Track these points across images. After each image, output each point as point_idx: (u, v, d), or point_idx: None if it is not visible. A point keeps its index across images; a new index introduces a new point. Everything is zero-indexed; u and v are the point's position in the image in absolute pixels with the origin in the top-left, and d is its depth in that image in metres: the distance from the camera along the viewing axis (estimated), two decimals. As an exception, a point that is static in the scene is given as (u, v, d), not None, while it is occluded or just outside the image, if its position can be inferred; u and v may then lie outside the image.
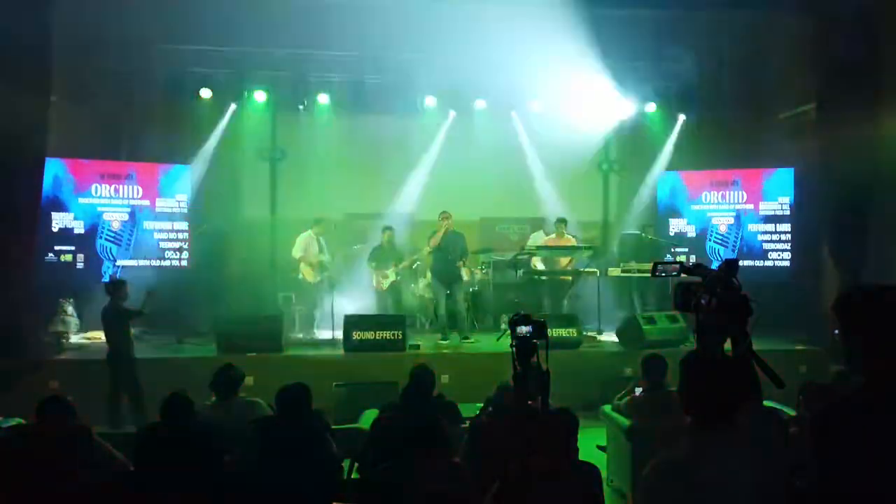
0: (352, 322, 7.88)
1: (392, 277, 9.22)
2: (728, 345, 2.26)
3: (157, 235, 9.31)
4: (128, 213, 9.19)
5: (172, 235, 9.36)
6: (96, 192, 9.05)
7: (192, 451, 3.74)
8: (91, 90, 8.89)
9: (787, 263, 9.60)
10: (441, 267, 8.57)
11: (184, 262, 9.30)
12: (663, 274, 2.87)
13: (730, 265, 2.32)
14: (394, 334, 7.75)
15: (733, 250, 9.87)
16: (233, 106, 9.89)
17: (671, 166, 10.41)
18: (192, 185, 9.46)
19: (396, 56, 9.63)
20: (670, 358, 4.81)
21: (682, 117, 10.45)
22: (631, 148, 10.99)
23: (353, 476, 4.30)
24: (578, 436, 3.23)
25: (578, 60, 9.99)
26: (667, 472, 2.01)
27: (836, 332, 1.94)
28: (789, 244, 9.60)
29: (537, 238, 9.78)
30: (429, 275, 9.55)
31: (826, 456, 1.80)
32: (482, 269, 9.97)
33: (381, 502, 3.23)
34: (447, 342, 8.46)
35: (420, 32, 9.37)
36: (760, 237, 9.79)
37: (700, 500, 1.92)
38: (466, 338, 8.56)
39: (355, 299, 9.68)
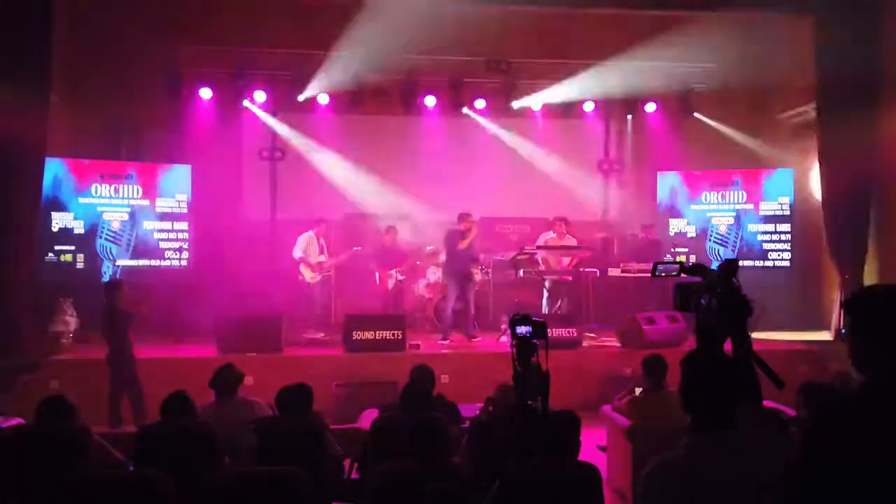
0: (352, 322, 7.88)
1: (397, 277, 9.28)
2: (728, 345, 2.26)
3: (157, 235, 9.31)
4: (128, 213, 9.18)
5: (172, 235, 9.35)
6: (96, 192, 9.05)
7: (192, 451, 3.74)
8: (91, 90, 8.89)
9: (787, 263, 9.60)
10: (458, 267, 8.58)
11: (184, 262, 9.30)
12: (663, 274, 2.86)
13: (730, 265, 2.32)
14: (394, 334, 7.75)
15: (733, 250, 9.87)
16: (233, 105, 9.88)
17: (671, 166, 10.41)
18: (192, 185, 9.45)
19: (396, 56, 9.62)
20: (670, 358, 4.82)
21: (681, 117, 10.44)
22: (631, 148, 10.99)
23: (352, 476, 4.31)
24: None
25: (579, 60, 10.02)
26: (666, 471, 2.01)
27: (843, 331, 1.95)
28: (789, 244, 9.60)
29: (545, 237, 9.76)
30: (429, 274, 9.58)
31: (821, 454, 1.80)
32: (482, 269, 9.96)
33: (381, 502, 3.23)
34: (448, 342, 8.48)
35: (420, 32, 9.37)
36: (760, 237, 9.79)
37: (699, 500, 1.92)
38: (473, 337, 8.58)
39: (356, 299, 9.69)
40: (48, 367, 7.28)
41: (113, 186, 9.13)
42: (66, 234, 8.84)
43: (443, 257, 9.13)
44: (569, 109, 10.30)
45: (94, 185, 9.03)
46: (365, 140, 10.25)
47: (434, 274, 9.61)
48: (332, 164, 10.06)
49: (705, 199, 10.16)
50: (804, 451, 1.81)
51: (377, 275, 9.39)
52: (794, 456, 1.83)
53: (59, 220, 8.80)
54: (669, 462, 2.05)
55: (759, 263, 9.64)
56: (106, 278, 8.60)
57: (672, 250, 9.81)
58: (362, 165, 10.23)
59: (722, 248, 9.99)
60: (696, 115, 10.31)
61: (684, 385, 2.09)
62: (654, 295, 9.22)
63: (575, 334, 8.02)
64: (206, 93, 9.60)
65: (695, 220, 10.18)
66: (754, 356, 2.17)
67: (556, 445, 3.14)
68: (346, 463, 4.37)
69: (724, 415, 2.01)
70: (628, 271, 9.16)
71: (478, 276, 9.11)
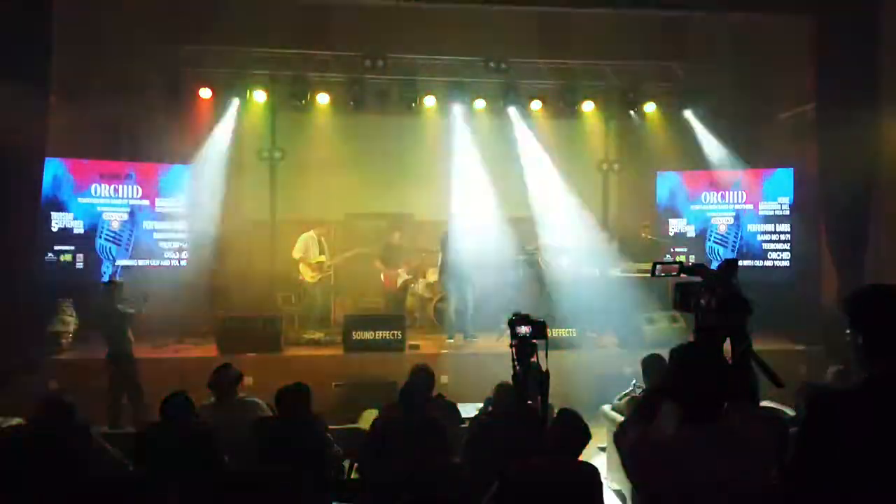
0: (352, 322, 7.89)
1: (404, 277, 9.31)
2: (728, 345, 2.26)
3: (156, 235, 9.31)
4: (127, 213, 9.18)
5: (172, 235, 9.35)
6: (96, 192, 9.04)
7: (192, 451, 3.74)
8: (91, 90, 8.88)
9: (786, 263, 9.60)
10: (459, 267, 8.57)
11: (183, 263, 9.30)
12: (663, 274, 2.86)
13: (729, 265, 2.32)
14: (394, 334, 7.76)
15: (733, 250, 9.87)
16: (233, 105, 9.86)
17: (671, 166, 10.41)
18: (192, 185, 9.45)
19: (396, 56, 9.61)
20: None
21: (682, 117, 10.43)
22: (631, 148, 10.99)
23: (353, 476, 4.31)
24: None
25: (578, 61, 10.01)
26: (647, 449, 2.01)
27: (848, 331, 1.95)
28: (789, 244, 9.59)
29: (545, 238, 9.76)
30: (429, 275, 9.59)
31: (815, 449, 1.80)
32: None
33: (380, 502, 3.23)
34: (453, 341, 8.48)
35: (420, 32, 9.37)
36: (760, 237, 9.79)
37: (677, 482, 1.92)
38: (473, 337, 8.58)
39: (356, 299, 9.71)
40: (48, 367, 7.28)
41: (113, 186, 9.13)
42: (66, 234, 8.84)
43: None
44: (568, 109, 10.28)
45: (93, 185, 9.03)
46: (365, 140, 10.24)
47: (434, 274, 9.62)
48: (332, 164, 10.06)
49: (705, 199, 10.16)
50: (798, 445, 1.82)
51: (382, 275, 9.41)
52: (790, 451, 1.84)
53: (58, 220, 8.80)
54: (654, 441, 2.06)
55: (758, 263, 9.65)
56: (106, 278, 8.61)
57: (672, 250, 9.81)
58: (362, 165, 10.22)
59: (722, 248, 9.99)
60: (695, 114, 10.29)
61: (670, 375, 2.08)
62: (654, 295, 9.22)
63: (575, 334, 8.02)
64: (205, 93, 9.58)
65: (694, 220, 10.19)
66: (754, 356, 2.17)
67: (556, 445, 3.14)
68: (346, 463, 4.37)
69: (709, 409, 2.00)
70: (628, 271, 9.16)
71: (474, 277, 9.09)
